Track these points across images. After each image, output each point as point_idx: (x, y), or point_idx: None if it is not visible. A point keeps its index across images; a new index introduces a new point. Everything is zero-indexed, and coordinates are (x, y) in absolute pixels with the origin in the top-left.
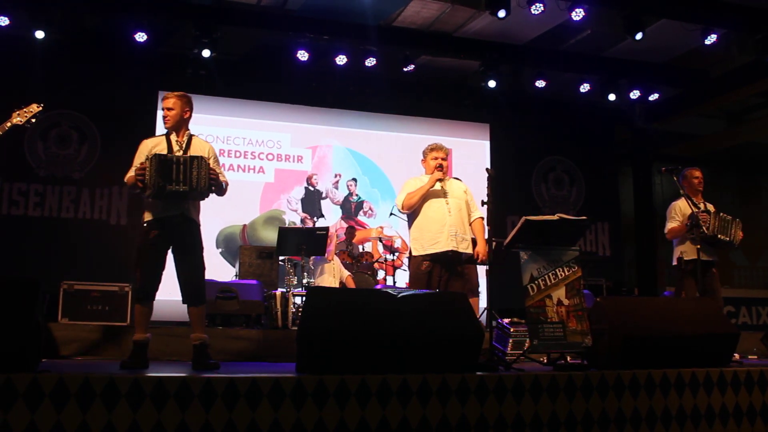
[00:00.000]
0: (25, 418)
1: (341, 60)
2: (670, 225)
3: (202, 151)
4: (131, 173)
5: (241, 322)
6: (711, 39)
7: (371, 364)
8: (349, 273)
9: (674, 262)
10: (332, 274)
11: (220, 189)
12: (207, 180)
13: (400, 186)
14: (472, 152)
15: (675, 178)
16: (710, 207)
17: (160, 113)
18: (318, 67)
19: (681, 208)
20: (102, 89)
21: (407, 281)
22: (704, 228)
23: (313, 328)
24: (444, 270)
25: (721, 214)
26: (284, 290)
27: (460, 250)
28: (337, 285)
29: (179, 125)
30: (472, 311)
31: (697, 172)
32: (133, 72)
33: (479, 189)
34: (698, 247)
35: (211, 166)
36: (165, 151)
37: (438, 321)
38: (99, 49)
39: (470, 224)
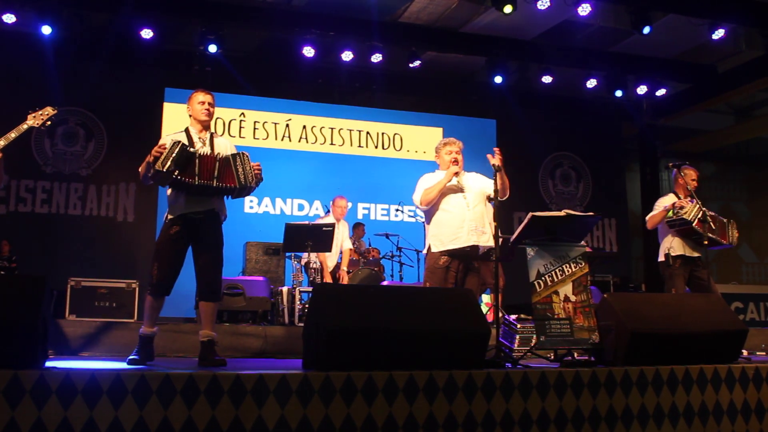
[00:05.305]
0: (32, 415)
1: (347, 56)
2: (651, 213)
3: (226, 149)
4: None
5: (248, 318)
6: (719, 34)
7: (378, 361)
8: (351, 247)
9: (661, 258)
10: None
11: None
12: (253, 174)
13: (416, 184)
14: (478, 148)
15: (680, 172)
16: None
17: (168, 108)
18: (324, 63)
19: (665, 202)
20: (108, 86)
21: (419, 281)
22: (683, 215)
23: (320, 325)
24: (462, 265)
25: (714, 214)
26: (290, 287)
27: (480, 244)
28: (336, 250)
29: (209, 123)
30: (479, 307)
31: (694, 172)
32: (140, 69)
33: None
34: (706, 242)
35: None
36: None
37: (445, 317)
38: (105, 46)
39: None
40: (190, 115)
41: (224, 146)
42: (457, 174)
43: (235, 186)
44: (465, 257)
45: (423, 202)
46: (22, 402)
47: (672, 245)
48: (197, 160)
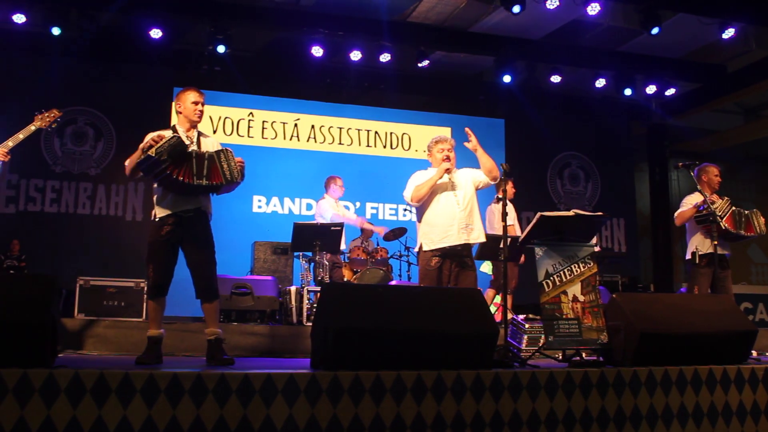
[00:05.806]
0: (41, 413)
1: (356, 56)
2: (680, 210)
3: (213, 147)
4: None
5: (256, 317)
6: (729, 33)
7: (385, 361)
8: (355, 219)
9: (688, 256)
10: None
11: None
12: (238, 169)
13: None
14: (486, 148)
15: (691, 173)
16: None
17: (176, 108)
18: (332, 63)
19: (693, 199)
20: (117, 86)
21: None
22: (714, 210)
23: (328, 324)
24: (454, 265)
25: (736, 209)
26: (299, 286)
27: (471, 241)
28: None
29: (198, 123)
30: (487, 307)
31: (716, 169)
32: (149, 69)
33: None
34: (715, 243)
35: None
36: None
37: (453, 317)
38: (114, 46)
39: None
40: (179, 113)
41: (211, 144)
42: (448, 171)
43: (222, 182)
44: (457, 255)
45: (413, 199)
46: (31, 400)
47: (700, 243)
48: (194, 160)
